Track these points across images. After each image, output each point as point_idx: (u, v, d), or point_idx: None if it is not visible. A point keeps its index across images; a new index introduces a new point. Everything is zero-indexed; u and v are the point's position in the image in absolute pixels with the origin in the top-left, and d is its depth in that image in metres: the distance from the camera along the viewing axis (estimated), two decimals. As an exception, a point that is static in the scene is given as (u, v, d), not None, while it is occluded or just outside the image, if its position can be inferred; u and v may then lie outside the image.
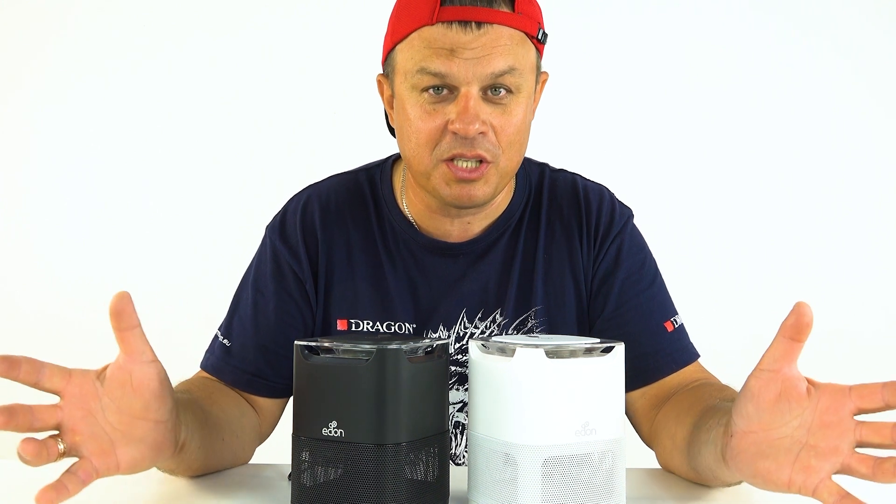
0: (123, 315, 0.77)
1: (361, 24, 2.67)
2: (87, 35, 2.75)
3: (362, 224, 1.15)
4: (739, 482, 0.92)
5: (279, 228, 1.17)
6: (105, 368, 0.78)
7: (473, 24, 0.97)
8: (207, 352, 1.16)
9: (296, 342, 0.82)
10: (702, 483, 0.96)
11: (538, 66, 1.07)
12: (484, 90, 1.00)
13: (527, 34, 1.01)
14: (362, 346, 0.79)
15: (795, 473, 0.72)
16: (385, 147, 1.27)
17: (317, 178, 1.22)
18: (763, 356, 0.75)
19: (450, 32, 0.97)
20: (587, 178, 1.21)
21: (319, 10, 2.73)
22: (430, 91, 1.00)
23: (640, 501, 0.92)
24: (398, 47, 1.03)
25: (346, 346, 0.80)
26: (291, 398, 0.97)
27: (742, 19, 2.75)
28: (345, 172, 1.21)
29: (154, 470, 1.05)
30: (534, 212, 1.16)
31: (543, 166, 1.21)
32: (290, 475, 0.84)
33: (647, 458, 1.07)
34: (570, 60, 2.66)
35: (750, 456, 0.75)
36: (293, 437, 0.82)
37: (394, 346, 0.78)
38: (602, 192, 1.19)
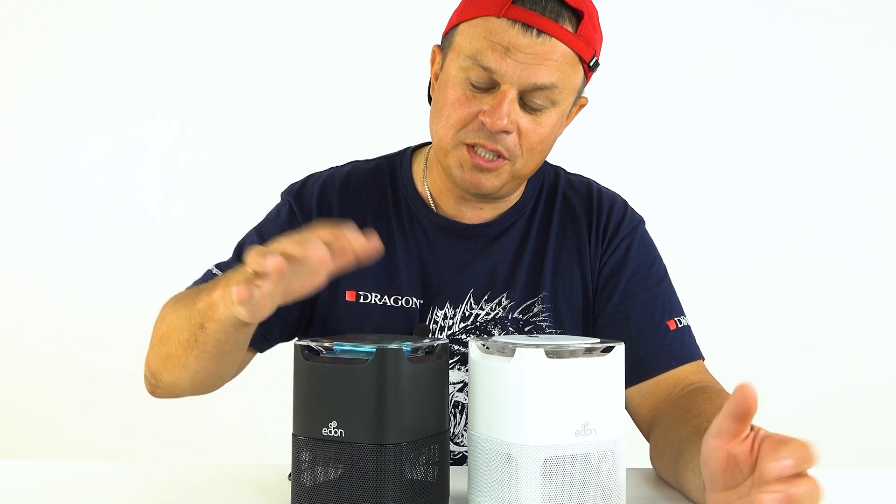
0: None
1: (361, 23, 2.67)
2: (86, 34, 2.75)
3: (378, 203, 1.19)
4: None
5: (297, 192, 1.20)
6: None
7: (535, 30, 1.01)
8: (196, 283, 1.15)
9: (295, 342, 0.82)
10: None
11: (580, 91, 1.10)
12: (522, 94, 1.03)
13: (580, 57, 1.04)
14: (362, 346, 0.79)
15: None
16: (386, 147, 1.28)
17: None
18: (711, 425, 0.75)
19: (511, 30, 1.01)
20: (602, 185, 1.25)
21: (319, 9, 2.73)
22: (475, 79, 1.04)
23: (640, 501, 0.93)
24: (462, 26, 1.07)
25: (347, 345, 0.80)
26: (291, 395, 0.97)
27: (747, 25, 2.75)
28: (366, 160, 1.25)
29: (153, 469, 1.05)
30: (547, 206, 1.20)
31: (559, 168, 1.26)
32: (290, 475, 0.84)
33: (647, 458, 1.07)
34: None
35: None
36: (293, 437, 0.82)
37: (394, 346, 0.78)
38: (615, 198, 1.23)
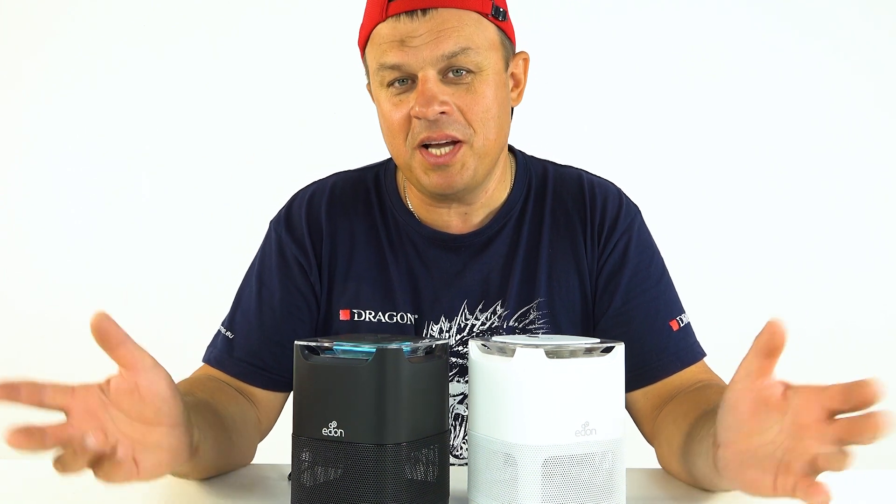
0: (109, 335, 0.74)
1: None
2: (86, 35, 2.75)
3: (366, 217, 1.17)
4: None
5: (285, 221, 1.18)
6: (108, 381, 0.76)
7: (419, 11, 1.00)
8: (210, 346, 1.16)
9: (296, 342, 0.82)
10: (700, 488, 0.96)
11: (504, 44, 1.07)
12: (443, 72, 1.02)
13: (479, 13, 1.02)
14: (362, 346, 0.79)
15: (779, 477, 0.71)
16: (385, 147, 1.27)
17: (317, 178, 1.23)
18: (737, 369, 0.74)
19: (398, 24, 1.01)
20: (593, 173, 1.21)
21: (320, 9, 2.73)
22: (395, 84, 1.04)
23: (640, 501, 0.92)
24: (366, 50, 1.08)
25: (347, 345, 0.80)
26: (291, 396, 0.97)
27: (744, 17, 2.75)
28: (348, 170, 1.23)
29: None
30: (537, 205, 1.16)
31: (547, 162, 1.22)
32: (290, 475, 0.84)
33: (647, 459, 1.07)
34: (574, 56, 2.66)
35: (737, 466, 0.75)
36: (293, 437, 0.82)
37: (394, 346, 0.78)
38: (608, 189, 1.18)
